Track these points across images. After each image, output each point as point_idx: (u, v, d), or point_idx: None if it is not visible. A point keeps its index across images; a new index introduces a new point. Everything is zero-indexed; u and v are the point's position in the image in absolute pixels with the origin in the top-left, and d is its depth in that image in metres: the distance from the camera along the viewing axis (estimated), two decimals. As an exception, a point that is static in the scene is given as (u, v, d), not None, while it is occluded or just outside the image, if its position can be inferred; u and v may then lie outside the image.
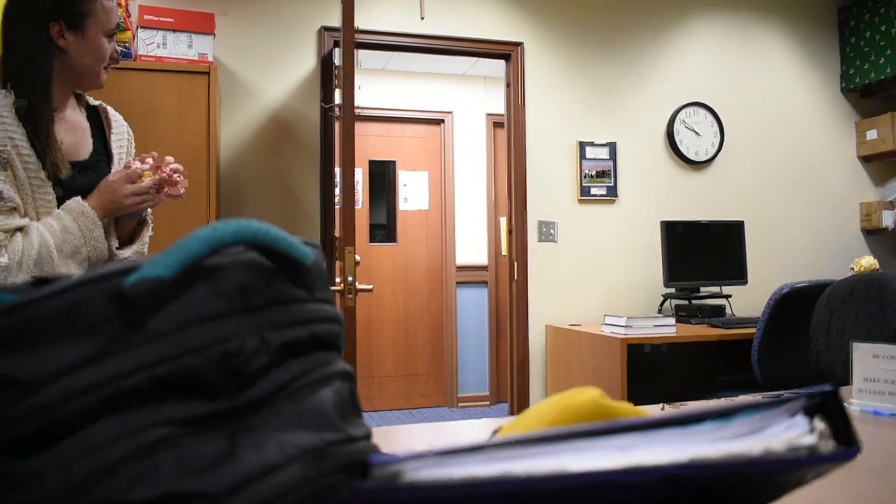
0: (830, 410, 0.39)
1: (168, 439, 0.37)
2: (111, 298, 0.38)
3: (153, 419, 0.37)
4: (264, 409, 0.42)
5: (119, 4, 1.72)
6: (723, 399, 1.54)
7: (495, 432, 0.60)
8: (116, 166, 1.78)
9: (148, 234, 1.85)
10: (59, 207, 1.62)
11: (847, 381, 1.45)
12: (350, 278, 2.60)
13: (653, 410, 1.29)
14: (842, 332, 2.42)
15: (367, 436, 0.48)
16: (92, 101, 1.86)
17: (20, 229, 1.55)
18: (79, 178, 1.68)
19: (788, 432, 0.37)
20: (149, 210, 1.80)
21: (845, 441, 0.39)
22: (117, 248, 1.75)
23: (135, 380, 0.37)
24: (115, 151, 1.80)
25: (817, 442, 0.37)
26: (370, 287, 2.98)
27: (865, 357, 1.43)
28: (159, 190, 1.69)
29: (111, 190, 1.65)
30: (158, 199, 1.72)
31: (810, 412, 0.39)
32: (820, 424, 0.38)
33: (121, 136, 1.84)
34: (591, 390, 0.58)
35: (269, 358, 0.42)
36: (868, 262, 4.09)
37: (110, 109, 1.85)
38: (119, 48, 1.74)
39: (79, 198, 1.65)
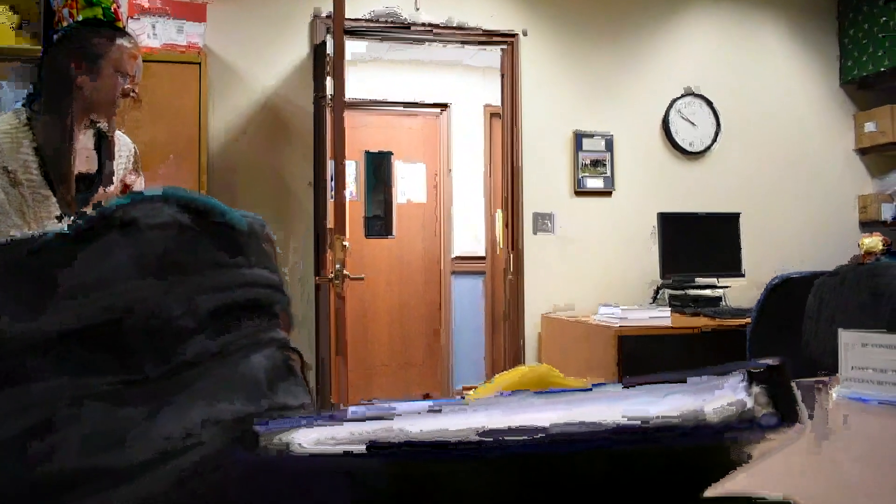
0: (774, 382, 0.38)
1: (81, 403, 0.36)
2: (26, 255, 0.37)
3: (65, 383, 0.36)
4: (190, 373, 0.40)
5: None
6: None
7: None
8: (116, 181, 1.99)
9: None
10: (56, 218, 1.81)
11: (836, 369, 1.44)
12: (338, 266, 2.59)
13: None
14: (831, 321, 2.40)
15: (303, 406, 0.46)
16: (104, 127, 2.02)
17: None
18: (77, 192, 1.86)
19: (723, 399, 0.36)
20: None
21: (788, 413, 0.38)
22: None
23: (46, 333, 0.35)
24: (115, 169, 2.02)
25: (752, 408, 0.36)
26: (361, 276, 2.96)
27: (853, 345, 1.42)
28: None
29: None
30: None
31: (751, 382, 0.38)
32: (756, 391, 0.37)
33: (120, 154, 2.05)
34: (543, 366, 0.57)
35: (196, 322, 0.41)
36: (872, 241, 4.08)
37: (118, 133, 2.06)
38: (130, 87, 1.93)
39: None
